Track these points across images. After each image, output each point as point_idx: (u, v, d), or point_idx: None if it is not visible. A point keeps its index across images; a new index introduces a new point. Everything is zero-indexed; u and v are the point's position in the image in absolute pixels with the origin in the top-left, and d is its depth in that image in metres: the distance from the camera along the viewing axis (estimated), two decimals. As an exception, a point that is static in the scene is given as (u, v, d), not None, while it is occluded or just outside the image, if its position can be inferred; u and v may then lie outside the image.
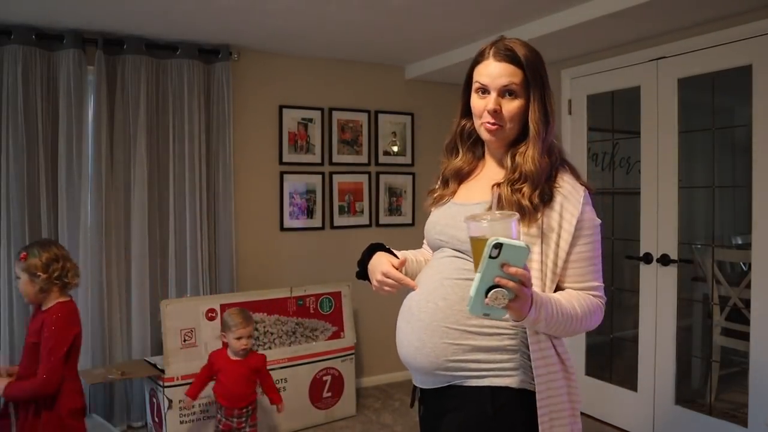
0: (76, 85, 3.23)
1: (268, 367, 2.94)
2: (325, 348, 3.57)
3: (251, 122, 3.81)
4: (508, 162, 1.38)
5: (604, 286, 1.39)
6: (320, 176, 4.03)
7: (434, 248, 1.49)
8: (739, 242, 3.36)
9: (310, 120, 3.98)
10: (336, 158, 4.08)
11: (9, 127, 3.10)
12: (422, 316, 1.36)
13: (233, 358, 2.83)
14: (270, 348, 3.37)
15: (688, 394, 3.27)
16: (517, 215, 1.19)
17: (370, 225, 4.23)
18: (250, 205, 3.82)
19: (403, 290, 1.45)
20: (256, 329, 3.28)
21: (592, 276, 1.35)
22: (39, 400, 2.15)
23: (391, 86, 4.28)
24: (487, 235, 1.10)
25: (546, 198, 1.31)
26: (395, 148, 4.30)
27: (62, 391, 2.16)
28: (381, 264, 1.45)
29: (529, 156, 1.34)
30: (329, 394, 3.58)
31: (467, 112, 1.45)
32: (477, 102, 1.39)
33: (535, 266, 1.29)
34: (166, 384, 3.04)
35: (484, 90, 1.37)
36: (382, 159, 4.25)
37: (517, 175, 1.34)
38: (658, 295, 3.21)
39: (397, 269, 1.44)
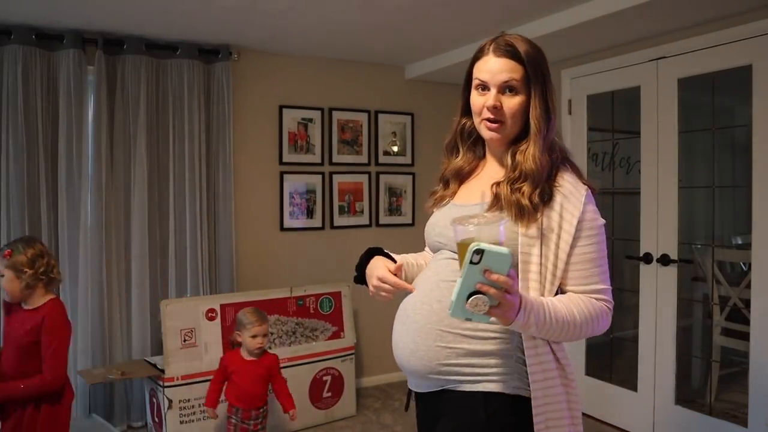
0: (76, 85, 3.23)
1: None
2: (325, 348, 3.57)
3: (251, 122, 3.81)
4: (509, 160, 1.34)
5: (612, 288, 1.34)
6: (320, 176, 4.03)
7: (434, 250, 1.46)
8: (739, 242, 3.36)
9: (310, 120, 3.98)
10: (336, 158, 4.08)
11: (9, 127, 3.10)
12: (417, 318, 1.34)
13: (248, 358, 2.81)
14: (270, 348, 3.37)
15: (688, 394, 3.27)
16: (506, 219, 1.16)
17: (370, 225, 4.23)
18: (250, 205, 3.82)
19: (401, 294, 1.42)
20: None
21: (596, 278, 1.30)
22: (44, 395, 2.18)
23: (391, 86, 4.28)
24: (475, 239, 1.08)
25: (546, 197, 1.28)
26: (395, 148, 4.30)
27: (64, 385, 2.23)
28: (377, 268, 1.42)
29: (529, 154, 1.30)
30: (329, 394, 3.58)
31: (467, 110, 1.42)
32: (477, 99, 1.36)
33: (533, 268, 1.27)
34: (166, 384, 3.04)
35: (484, 87, 1.34)
36: (382, 159, 4.25)
37: (517, 173, 1.30)
38: (658, 295, 3.21)
39: (394, 274, 1.40)
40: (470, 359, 1.28)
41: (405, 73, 4.31)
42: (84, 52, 3.26)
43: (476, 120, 1.38)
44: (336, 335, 3.62)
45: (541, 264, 1.27)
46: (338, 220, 4.11)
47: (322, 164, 4.04)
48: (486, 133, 1.37)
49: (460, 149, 1.48)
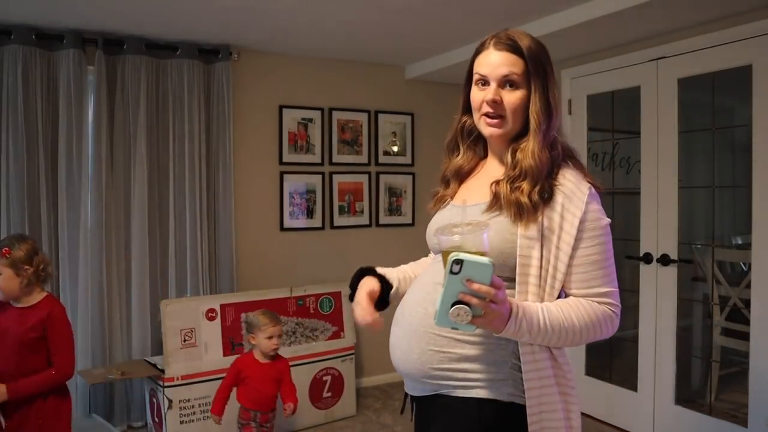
0: (76, 85, 3.23)
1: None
2: (325, 348, 3.57)
3: (251, 122, 3.81)
4: (509, 158, 1.30)
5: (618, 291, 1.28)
6: (320, 176, 4.03)
7: (435, 252, 1.45)
8: (739, 242, 3.36)
9: (310, 120, 3.98)
10: (336, 158, 4.08)
11: (9, 127, 3.10)
12: (412, 320, 1.32)
13: (263, 361, 2.80)
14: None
15: (688, 394, 3.27)
16: (489, 227, 1.13)
17: (370, 225, 4.23)
18: (250, 205, 3.82)
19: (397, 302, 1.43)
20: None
21: (599, 281, 1.24)
22: (57, 386, 2.25)
23: (391, 86, 4.28)
24: (459, 248, 1.07)
25: (546, 195, 1.24)
26: (395, 148, 4.30)
27: None
28: (358, 295, 1.40)
29: (528, 150, 1.26)
30: (329, 394, 3.58)
31: (468, 108, 1.38)
32: (476, 94, 1.32)
33: (533, 272, 1.23)
34: (166, 384, 3.04)
35: (485, 81, 1.30)
36: (382, 159, 4.25)
37: (517, 172, 1.26)
38: (658, 295, 3.21)
39: (377, 295, 1.40)
40: (463, 364, 1.25)
41: (405, 73, 4.31)
42: (84, 52, 3.26)
43: (476, 116, 1.35)
44: (336, 335, 3.62)
45: (540, 267, 1.23)
46: (338, 220, 4.11)
47: (322, 164, 4.04)
48: (485, 129, 1.33)
49: (461, 148, 1.44)
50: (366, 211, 4.21)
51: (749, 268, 2.89)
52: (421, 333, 1.29)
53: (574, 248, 1.23)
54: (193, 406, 3.10)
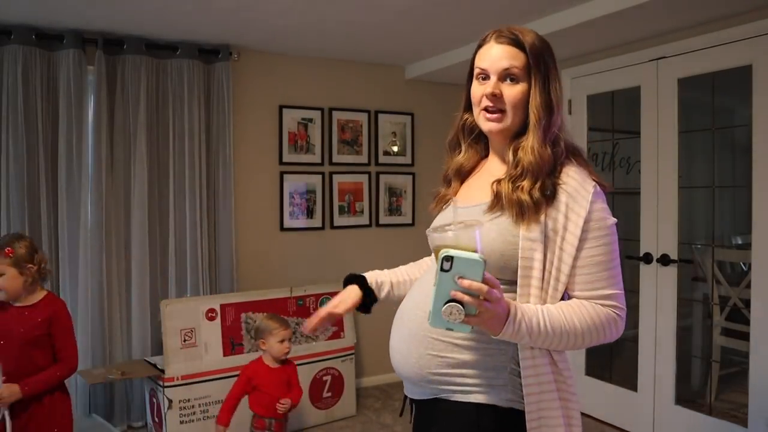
0: (76, 85, 3.23)
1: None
2: (325, 348, 3.57)
3: (251, 122, 3.81)
4: (510, 156, 1.27)
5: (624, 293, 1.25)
6: (320, 176, 4.03)
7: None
8: (739, 242, 3.36)
9: (310, 120, 3.98)
10: (336, 158, 4.08)
11: (9, 127, 3.10)
12: (411, 324, 1.31)
13: (273, 366, 2.77)
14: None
15: (688, 394, 3.27)
16: (482, 224, 1.11)
17: (370, 225, 4.23)
18: (250, 205, 3.82)
19: (398, 301, 1.44)
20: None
21: (604, 283, 1.20)
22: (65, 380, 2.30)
23: (391, 86, 4.28)
24: (450, 246, 1.06)
25: (548, 192, 1.20)
26: (395, 148, 4.30)
27: None
28: (326, 306, 1.45)
29: (528, 146, 1.23)
30: (329, 394, 3.58)
31: (470, 105, 1.36)
32: (476, 89, 1.29)
33: (535, 274, 1.20)
34: (166, 384, 3.04)
35: (485, 75, 1.28)
36: (382, 159, 4.25)
37: (519, 170, 1.23)
38: (658, 295, 3.21)
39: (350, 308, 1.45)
40: (461, 369, 1.23)
41: (405, 73, 4.31)
42: (84, 52, 3.26)
43: (475, 111, 1.32)
44: (336, 335, 3.62)
45: (543, 270, 1.20)
46: (338, 220, 4.11)
47: (322, 164, 4.04)
48: (485, 124, 1.30)
49: (462, 146, 1.42)
50: (366, 211, 4.21)
51: (749, 268, 2.89)
52: (420, 337, 1.27)
53: (579, 249, 1.19)
54: (193, 406, 3.10)
